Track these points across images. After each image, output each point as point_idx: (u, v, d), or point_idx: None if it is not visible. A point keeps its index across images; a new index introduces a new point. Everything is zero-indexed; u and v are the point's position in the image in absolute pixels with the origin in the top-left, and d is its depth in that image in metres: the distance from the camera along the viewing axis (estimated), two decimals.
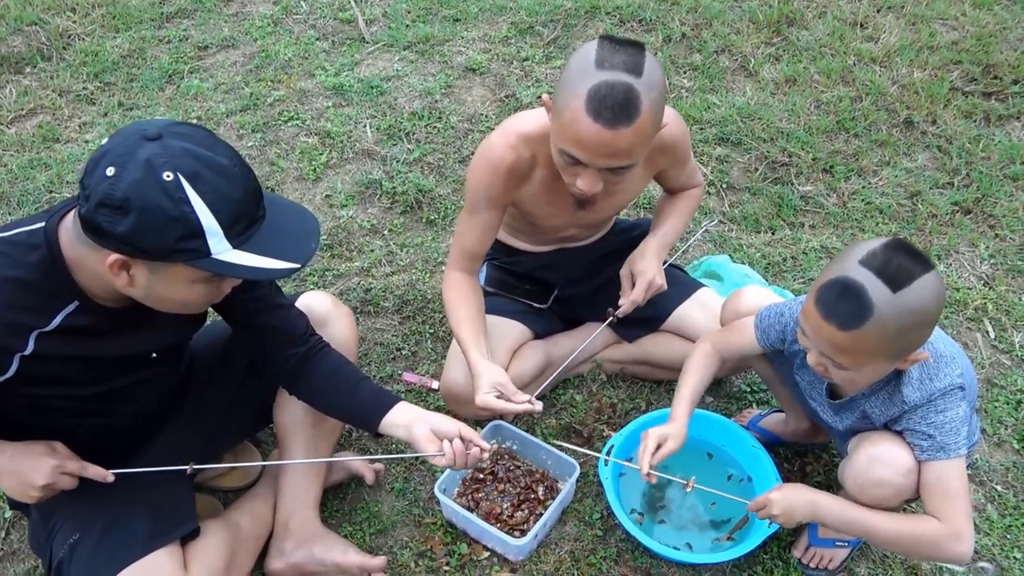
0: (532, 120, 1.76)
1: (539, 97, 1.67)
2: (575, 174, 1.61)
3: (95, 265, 1.24)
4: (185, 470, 1.51)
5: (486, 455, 1.58)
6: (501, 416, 2.03)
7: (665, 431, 1.69)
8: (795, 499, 1.57)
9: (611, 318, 1.92)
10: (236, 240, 1.21)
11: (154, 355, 1.49)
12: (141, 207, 1.13)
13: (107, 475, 1.46)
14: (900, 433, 1.53)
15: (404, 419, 1.58)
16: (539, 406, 1.73)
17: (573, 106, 1.50)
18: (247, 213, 1.22)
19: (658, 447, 1.67)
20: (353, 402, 1.63)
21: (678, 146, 1.86)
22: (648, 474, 1.63)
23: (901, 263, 1.32)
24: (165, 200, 1.14)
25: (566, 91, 1.52)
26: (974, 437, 1.65)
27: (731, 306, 1.81)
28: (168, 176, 1.14)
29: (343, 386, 1.63)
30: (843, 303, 1.34)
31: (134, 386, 1.51)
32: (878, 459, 1.51)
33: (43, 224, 1.28)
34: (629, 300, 1.88)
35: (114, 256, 1.19)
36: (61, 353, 1.32)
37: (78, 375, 1.39)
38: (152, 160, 1.14)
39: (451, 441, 1.54)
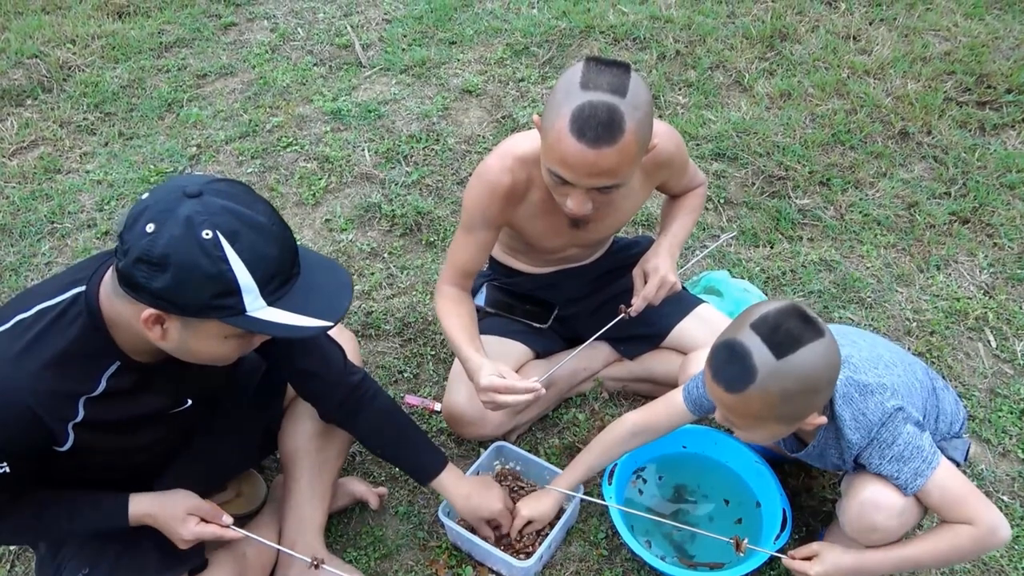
0: (528, 142, 1.77)
1: (533, 118, 1.68)
2: (564, 194, 1.62)
3: (131, 320, 1.25)
4: (308, 559, 1.62)
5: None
6: (504, 437, 2.04)
7: (534, 513, 1.79)
8: (837, 569, 1.55)
9: (623, 315, 1.89)
10: (270, 297, 1.21)
11: (189, 402, 1.51)
12: (179, 264, 1.14)
13: (242, 535, 1.57)
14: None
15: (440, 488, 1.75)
16: (543, 389, 1.73)
17: (558, 126, 1.51)
18: (282, 271, 1.23)
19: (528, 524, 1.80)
20: (404, 462, 1.79)
21: (675, 159, 1.87)
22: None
23: (789, 329, 1.33)
24: (203, 258, 1.14)
25: (552, 111, 1.54)
26: (959, 418, 1.65)
27: (691, 370, 1.83)
28: (207, 234, 1.14)
29: (394, 440, 1.75)
30: (728, 367, 1.37)
31: (168, 433, 1.53)
32: (868, 504, 1.50)
33: (83, 288, 1.29)
34: (642, 296, 1.86)
35: (149, 311, 1.19)
36: (108, 418, 1.34)
37: (125, 437, 1.41)
38: (192, 218, 1.14)
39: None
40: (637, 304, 1.87)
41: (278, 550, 1.79)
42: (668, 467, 1.98)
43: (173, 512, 1.47)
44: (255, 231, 1.18)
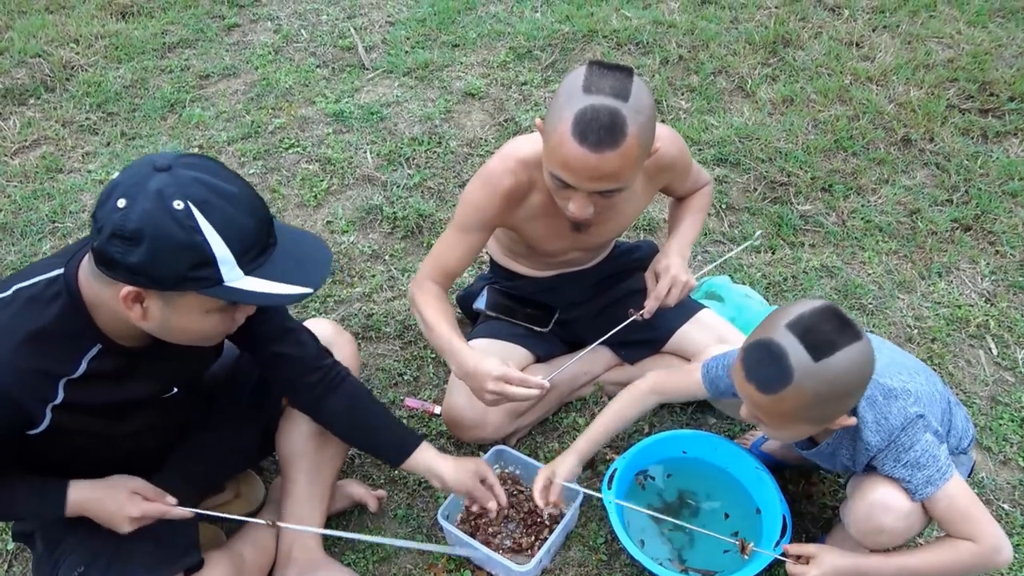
0: (530, 145, 1.77)
1: (535, 121, 1.68)
2: (567, 197, 1.62)
3: (112, 302, 1.24)
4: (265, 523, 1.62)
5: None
6: (504, 441, 2.03)
7: (555, 466, 1.76)
8: (835, 571, 1.55)
9: (636, 317, 1.88)
10: (248, 267, 1.21)
11: (175, 390, 1.51)
12: (152, 236, 1.14)
13: (188, 513, 1.52)
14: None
15: (422, 468, 1.69)
16: (548, 385, 1.72)
17: (560, 130, 1.51)
18: (258, 240, 1.23)
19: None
20: (375, 442, 1.73)
21: (677, 163, 1.88)
22: (551, 505, 1.75)
23: (826, 331, 1.33)
24: (176, 229, 1.15)
25: (555, 115, 1.54)
26: (968, 435, 1.64)
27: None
28: (179, 205, 1.15)
29: (365, 423, 1.70)
30: (763, 367, 1.36)
31: (156, 422, 1.53)
32: (877, 505, 1.50)
33: (62, 270, 1.29)
34: (653, 296, 1.85)
35: (127, 288, 1.19)
36: (89, 401, 1.34)
37: (106, 420, 1.41)
38: (163, 190, 1.15)
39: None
40: (650, 305, 1.86)
41: (279, 541, 1.79)
42: (670, 471, 1.98)
43: (115, 493, 1.45)
44: (227, 201, 1.19)
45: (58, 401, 1.30)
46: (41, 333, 1.26)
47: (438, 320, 1.79)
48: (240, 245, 1.19)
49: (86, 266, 1.28)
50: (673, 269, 1.86)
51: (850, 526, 1.56)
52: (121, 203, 1.15)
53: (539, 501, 1.74)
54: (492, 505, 1.71)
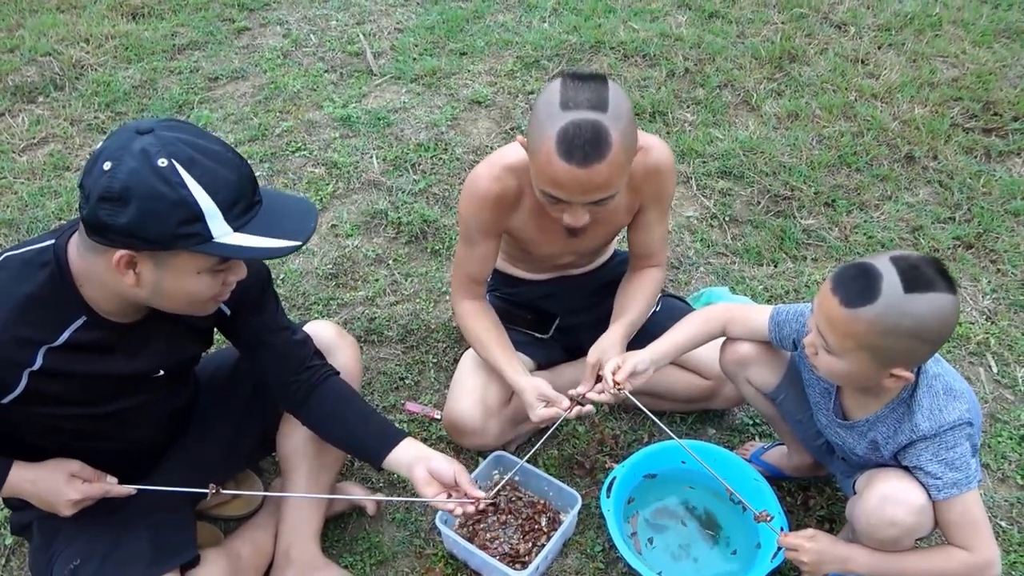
0: (517, 151, 1.78)
1: (518, 139, 1.70)
2: (561, 210, 1.64)
3: (103, 274, 1.26)
4: (206, 493, 1.55)
5: (482, 504, 1.59)
6: (504, 447, 2.04)
7: (625, 357, 1.76)
8: (828, 553, 1.57)
9: (576, 405, 1.80)
10: (236, 223, 1.23)
11: (161, 372, 1.51)
12: (140, 195, 1.16)
13: (131, 490, 1.51)
14: (909, 469, 1.52)
15: (407, 458, 1.61)
16: (589, 408, 1.78)
17: (545, 149, 1.52)
18: (244, 196, 1.25)
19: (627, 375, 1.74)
20: (359, 435, 1.65)
21: (664, 172, 1.84)
22: (617, 389, 1.72)
23: (926, 273, 1.35)
24: (163, 185, 1.17)
25: (536, 134, 1.54)
26: (978, 476, 1.65)
27: (730, 351, 1.81)
28: (163, 162, 1.17)
29: (349, 418, 1.66)
30: (854, 282, 1.38)
31: (142, 406, 1.52)
32: (890, 498, 1.49)
33: (52, 241, 1.32)
34: (590, 395, 1.79)
35: (120, 253, 1.21)
36: (69, 369, 1.34)
37: (87, 393, 1.41)
38: (147, 149, 1.17)
39: (448, 493, 1.58)
40: (588, 398, 1.80)
41: (273, 550, 1.79)
42: (673, 481, 1.99)
43: (51, 476, 1.44)
44: (210, 157, 1.21)
45: (36, 367, 1.30)
46: (27, 300, 1.28)
47: (487, 350, 1.91)
48: (226, 200, 1.21)
49: (76, 240, 1.30)
50: (612, 366, 1.78)
51: (859, 519, 1.55)
52: (107, 166, 1.17)
53: (609, 381, 1.73)
54: (479, 493, 1.58)
